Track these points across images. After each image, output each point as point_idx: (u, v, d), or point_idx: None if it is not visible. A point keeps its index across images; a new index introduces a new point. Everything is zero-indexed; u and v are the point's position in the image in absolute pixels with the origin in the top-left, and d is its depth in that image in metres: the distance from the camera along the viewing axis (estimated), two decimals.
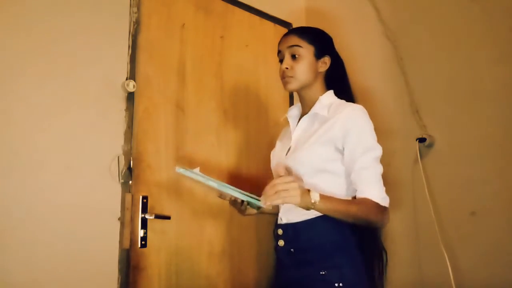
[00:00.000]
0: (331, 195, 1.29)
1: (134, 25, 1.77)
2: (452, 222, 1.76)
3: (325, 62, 1.48)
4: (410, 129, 1.93)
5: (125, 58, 1.73)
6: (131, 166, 1.69)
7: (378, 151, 1.36)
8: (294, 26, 2.41)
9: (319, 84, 1.49)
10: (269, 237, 2.11)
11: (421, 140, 1.86)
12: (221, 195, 1.45)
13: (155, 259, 1.71)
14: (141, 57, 1.77)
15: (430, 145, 1.85)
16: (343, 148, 1.35)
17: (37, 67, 1.52)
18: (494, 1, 1.74)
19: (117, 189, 1.66)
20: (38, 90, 1.51)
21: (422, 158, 1.86)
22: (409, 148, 1.91)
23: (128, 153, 1.69)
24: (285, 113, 1.58)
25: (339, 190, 1.36)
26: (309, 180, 1.35)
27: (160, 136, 1.81)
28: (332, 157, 1.36)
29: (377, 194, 1.31)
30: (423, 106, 1.92)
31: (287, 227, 1.40)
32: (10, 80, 1.46)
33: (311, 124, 1.45)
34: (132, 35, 1.76)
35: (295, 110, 1.56)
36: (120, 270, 1.61)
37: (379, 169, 1.35)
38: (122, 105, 1.71)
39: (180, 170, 1.25)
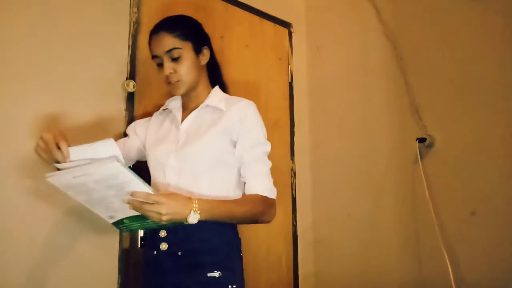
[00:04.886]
0: (216, 200, 1.25)
1: (134, 25, 1.77)
2: (452, 222, 1.76)
3: (205, 55, 1.43)
4: (410, 129, 1.93)
5: (125, 58, 1.73)
6: (131, 166, 1.68)
7: (267, 146, 1.38)
8: (294, 26, 2.42)
9: (203, 78, 1.45)
10: (261, 239, 2.11)
11: (421, 140, 1.86)
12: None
13: None
14: (141, 57, 1.77)
15: (430, 145, 1.85)
16: (236, 140, 1.35)
17: (37, 67, 1.52)
18: (494, 1, 1.74)
19: None
20: (38, 90, 1.51)
21: (422, 158, 1.86)
22: (409, 148, 1.91)
23: None
24: (166, 105, 1.51)
25: (231, 183, 1.35)
26: (204, 174, 1.32)
27: None
28: (227, 149, 1.35)
29: (265, 186, 1.33)
30: (423, 106, 1.92)
31: (174, 229, 1.28)
32: (10, 80, 1.46)
33: (202, 117, 1.40)
34: (132, 35, 1.76)
35: (177, 102, 1.49)
36: (120, 270, 1.61)
37: (268, 164, 1.37)
38: (122, 105, 1.71)
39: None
